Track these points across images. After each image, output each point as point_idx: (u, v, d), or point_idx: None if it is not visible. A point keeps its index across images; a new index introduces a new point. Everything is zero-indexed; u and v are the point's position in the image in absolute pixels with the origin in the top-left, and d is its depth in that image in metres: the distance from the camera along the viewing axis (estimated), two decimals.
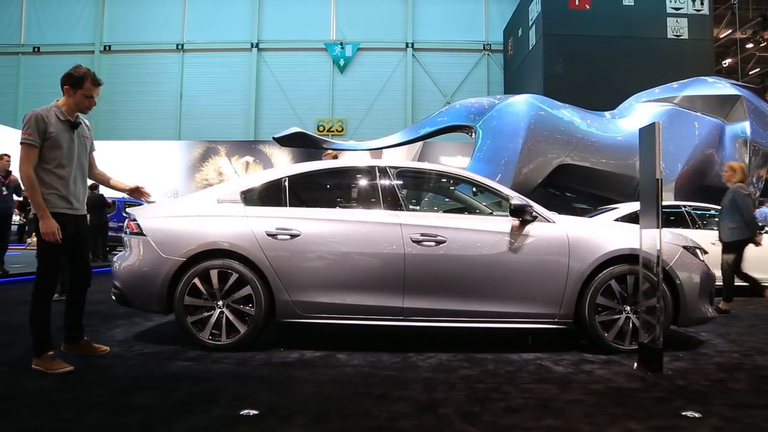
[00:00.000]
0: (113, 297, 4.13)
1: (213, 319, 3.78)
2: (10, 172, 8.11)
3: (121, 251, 4.16)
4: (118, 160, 18.85)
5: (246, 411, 2.57)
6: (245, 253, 3.79)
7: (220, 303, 3.79)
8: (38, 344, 3.23)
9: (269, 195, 4.13)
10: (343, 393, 2.90)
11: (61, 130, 3.29)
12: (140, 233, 3.96)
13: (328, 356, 3.70)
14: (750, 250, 7.81)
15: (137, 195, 3.75)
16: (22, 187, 6.51)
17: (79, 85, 3.32)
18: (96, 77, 3.40)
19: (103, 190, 13.10)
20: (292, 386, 3.02)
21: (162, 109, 23.23)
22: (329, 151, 7.05)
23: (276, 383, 3.07)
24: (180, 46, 23.69)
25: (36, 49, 24.02)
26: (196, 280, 3.79)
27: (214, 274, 3.79)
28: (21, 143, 3.19)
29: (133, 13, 23.95)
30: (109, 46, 23.91)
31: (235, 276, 3.78)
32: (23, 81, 23.92)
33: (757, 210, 9.27)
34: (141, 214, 4.09)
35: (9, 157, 8.06)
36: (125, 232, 4.12)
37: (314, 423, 2.45)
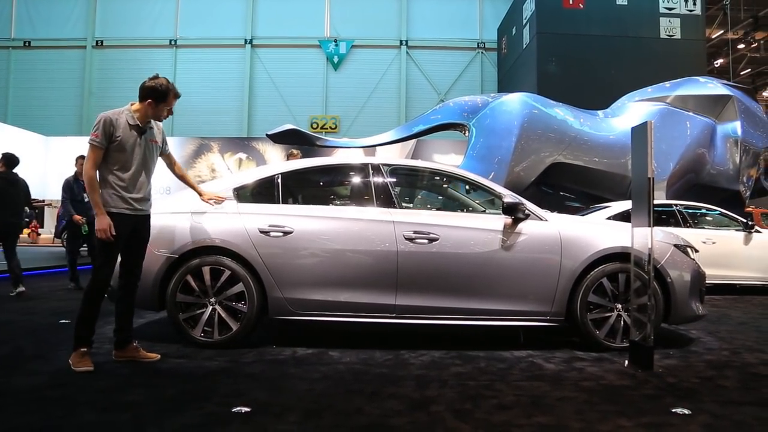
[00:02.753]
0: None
1: (205, 317, 3.77)
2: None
3: None
4: None
5: (238, 408, 2.56)
6: (238, 250, 3.78)
7: (213, 300, 3.78)
8: (77, 337, 3.28)
9: (262, 192, 4.12)
10: (335, 390, 2.90)
11: (129, 134, 3.32)
12: None
13: (320, 353, 3.69)
14: (734, 248, 7.88)
15: (205, 200, 3.90)
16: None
17: (163, 99, 3.37)
18: (177, 90, 3.47)
19: None
20: (285, 383, 3.01)
21: None
22: (293, 152, 6.79)
23: (268, 380, 3.07)
24: (173, 42, 23.54)
25: (27, 44, 23.77)
26: (189, 277, 3.77)
27: (206, 271, 3.78)
28: (88, 143, 3.26)
29: (126, 8, 23.76)
30: (102, 41, 23.71)
31: (227, 273, 3.77)
32: (13, 75, 23.67)
33: None
34: None
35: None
36: None
37: (306, 420, 2.45)
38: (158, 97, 3.35)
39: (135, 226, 3.40)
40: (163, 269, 3.79)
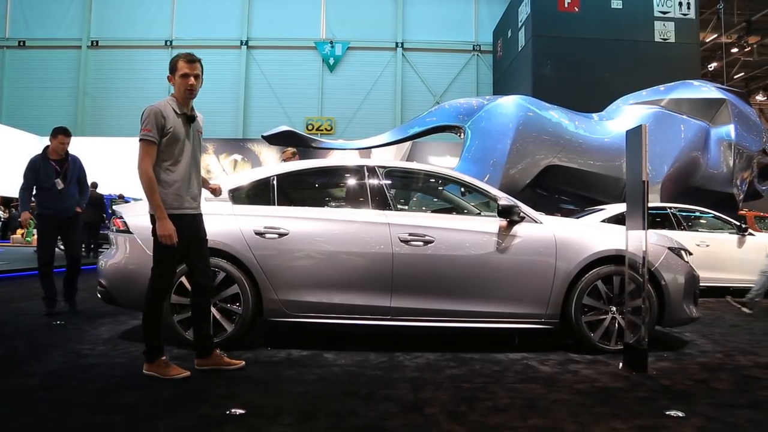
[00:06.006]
0: (99, 295, 4.10)
1: None
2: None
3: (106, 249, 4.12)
4: (105, 157, 18.69)
5: (232, 410, 2.55)
6: (233, 251, 3.77)
7: None
8: (151, 349, 3.11)
9: (257, 193, 4.11)
10: (330, 392, 2.89)
11: (179, 124, 3.14)
12: (127, 231, 3.93)
13: (315, 355, 3.69)
14: (728, 251, 7.92)
15: (217, 194, 3.60)
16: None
17: (174, 67, 3.18)
18: (189, 54, 3.21)
19: (101, 189, 13.04)
20: (279, 385, 3.01)
21: None
22: (287, 150, 6.68)
23: (263, 382, 3.06)
24: (169, 43, 23.47)
25: (21, 43, 23.65)
26: (183, 279, 3.76)
27: None
28: (140, 140, 3.06)
29: (122, 8, 23.67)
30: (97, 42, 23.61)
31: (222, 275, 3.76)
32: (8, 75, 23.53)
33: None
34: (127, 212, 4.06)
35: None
36: (111, 230, 4.08)
37: (301, 422, 2.45)
38: (171, 69, 3.19)
39: (193, 227, 3.23)
40: None
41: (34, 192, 5.18)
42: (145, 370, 3.11)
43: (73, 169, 5.28)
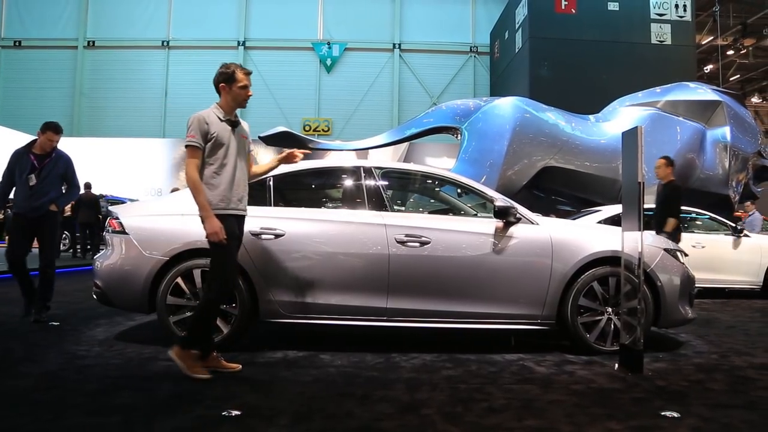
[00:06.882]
0: (94, 296, 4.08)
1: None
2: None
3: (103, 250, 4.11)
4: (101, 158, 18.64)
5: (228, 411, 2.55)
6: None
7: None
8: (191, 339, 3.18)
9: (254, 194, 4.08)
10: (326, 393, 2.89)
11: (222, 129, 3.25)
12: (122, 232, 3.92)
13: (311, 356, 3.69)
14: (723, 252, 7.95)
15: (290, 160, 3.59)
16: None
17: (233, 78, 3.29)
18: (243, 66, 3.37)
19: (96, 189, 12.99)
20: (275, 386, 3.01)
21: (147, 106, 22.93)
22: (284, 152, 6.50)
23: (259, 383, 3.06)
24: (165, 43, 23.43)
25: (17, 43, 23.57)
26: (179, 280, 3.75)
27: (197, 273, 3.76)
28: (186, 146, 3.20)
29: (118, 8, 23.62)
30: (93, 42, 23.55)
31: None
32: (3, 75, 23.44)
33: (749, 216, 9.41)
34: (123, 213, 4.05)
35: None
36: (107, 231, 4.07)
37: (297, 423, 2.44)
38: (227, 79, 3.29)
39: (237, 227, 3.32)
40: (154, 271, 3.76)
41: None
42: (172, 354, 3.13)
43: (54, 166, 4.88)
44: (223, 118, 3.28)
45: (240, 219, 3.34)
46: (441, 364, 3.55)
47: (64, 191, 5.06)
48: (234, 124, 3.33)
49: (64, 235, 13.25)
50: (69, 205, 12.30)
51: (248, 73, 3.36)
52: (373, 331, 4.19)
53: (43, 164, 4.84)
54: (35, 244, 4.98)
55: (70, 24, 23.68)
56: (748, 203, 9.56)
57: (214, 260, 3.24)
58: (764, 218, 10.25)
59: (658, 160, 6.41)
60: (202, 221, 3.16)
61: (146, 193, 18.13)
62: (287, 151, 3.60)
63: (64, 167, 4.98)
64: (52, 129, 4.89)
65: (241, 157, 3.35)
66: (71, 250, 13.36)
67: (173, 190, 11.54)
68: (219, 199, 3.21)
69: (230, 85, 3.30)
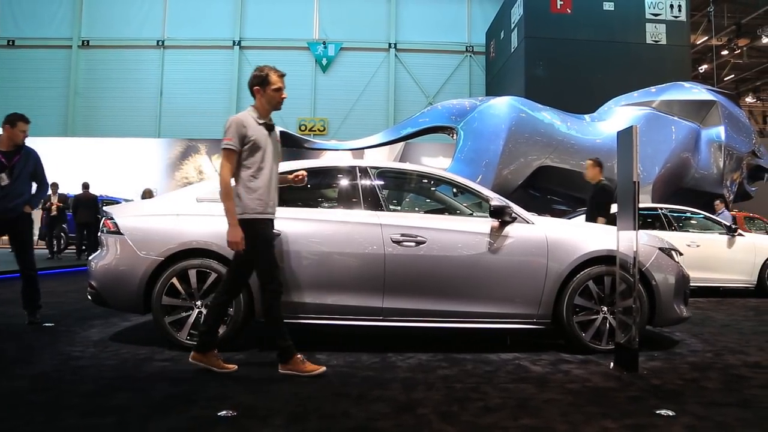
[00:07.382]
0: (89, 297, 4.07)
1: (191, 320, 3.74)
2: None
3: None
4: (96, 158, 18.58)
5: (224, 412, 2.55)
6: (224, 252, 3.75)
7: (199, 303, 3.76)
8: (286, 348, 3.25)
9: None
10: (321, 393, 2.89)
11: (260, 132, 3.24)
12: (117, 232, 3.90)
13: (307, 356, 3.67)
14: (718, 251, 7.99)
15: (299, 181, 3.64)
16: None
17: (267, 80, 3.28)
18: (277, 69, 3.35)
19: (91, 189, 12.96)
20: (271, 387, 3.00)
21: (142, 106, 22.84)
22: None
23: (254, 384, 3.05)
24: (161, 43, 23.34)
25: (11, 42, 23.43)
26: (174, 280, 3.75)
27: (192, 273, 3.75)
28: (222, 148, 3.19)
29: (113, 7, 23.51)
30: (88, 41, 23.43)
31: (213, 276, 3.74)
32: None
33: (721, 212, 9.46)
34: (118, 213, 4.04)
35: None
36: (102, 231, 4.06)
37: (292, 424, 2.44)
38: (261, 82, 3.28)
39: (271, 231, 3.34)
40: (149, 272, 3.75)
41: None
42: (193, 359, 3.23)
43: (25, 163, 4.63)
44: (259, 122, 3.28)
45: (272, 223, 3.36)
46: (437, 364, 3.55)
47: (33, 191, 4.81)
48: (270, 128, 3.33)
49: (60, 235, 13.23)
50: (54, 205, 12.32)
51: (282, 75, 3.34)
52: (368, 331, 4.18)
53: (13, 162, 4.59)
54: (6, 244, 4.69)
55: (64, 23, 23.56)
56: (717, 202, 9.59)
57: (262, 266, 3.25)
58: (733, 213, 10.30)
59: (587, 161, 6.46)
60: (245, 227, 3.16)
61: (141, 194, 18.06)
62: (295, 173, 3.64)
63: (34, 165, 4.73)
64: (22, 119, 4.61)
65: (275, 161, 3.36)
66: (75, 249, 13.33)
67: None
68: (257, 203, 3.21)
69: (264, 88, 3.30)
